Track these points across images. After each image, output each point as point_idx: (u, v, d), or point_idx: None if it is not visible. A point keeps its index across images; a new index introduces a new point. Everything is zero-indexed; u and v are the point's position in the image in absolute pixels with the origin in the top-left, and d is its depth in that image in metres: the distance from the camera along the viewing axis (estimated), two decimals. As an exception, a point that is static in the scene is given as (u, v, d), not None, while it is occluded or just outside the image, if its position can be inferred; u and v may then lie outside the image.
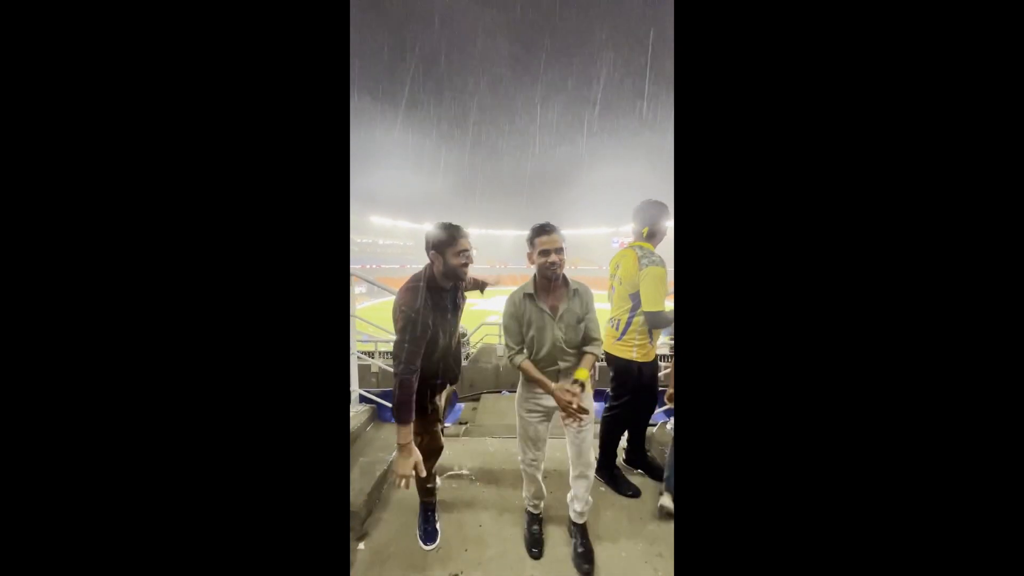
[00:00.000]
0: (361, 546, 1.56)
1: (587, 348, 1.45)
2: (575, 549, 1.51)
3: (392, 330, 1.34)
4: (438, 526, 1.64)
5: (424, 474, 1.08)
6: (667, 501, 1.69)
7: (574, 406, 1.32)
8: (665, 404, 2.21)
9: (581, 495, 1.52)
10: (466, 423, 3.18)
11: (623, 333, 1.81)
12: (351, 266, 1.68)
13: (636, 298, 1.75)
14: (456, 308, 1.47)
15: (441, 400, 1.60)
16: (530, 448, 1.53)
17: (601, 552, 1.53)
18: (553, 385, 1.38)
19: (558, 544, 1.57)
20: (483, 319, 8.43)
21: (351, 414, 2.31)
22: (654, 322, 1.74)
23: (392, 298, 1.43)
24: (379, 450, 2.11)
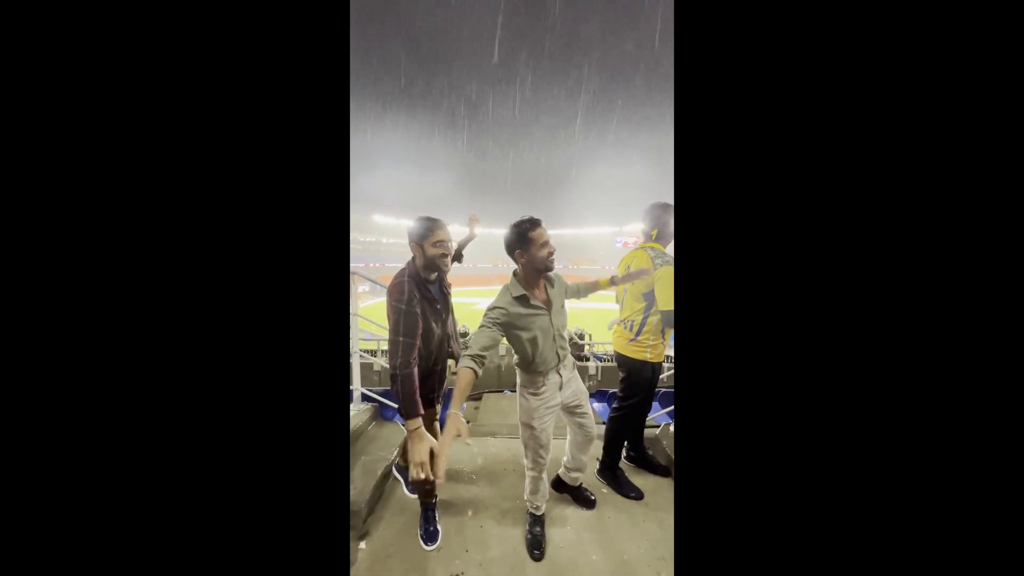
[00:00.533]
0: (362, 545, 1.56)
1: (585, 293, 1.70)
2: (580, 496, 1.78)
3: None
4: (439, 526, 1.63)
5: (443, 459, 1.05)
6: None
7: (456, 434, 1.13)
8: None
9: (582, 460, 1.71)
10: (468, 422, 3.18)
11: (637, 334, 1.82)
12: (354, 264, 1.69)
13: (650, 298, 1.76)
14: (444, 297, 1.51)
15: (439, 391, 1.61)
16: (543, 453, 1.54)
17: (603, 554, 1.52)
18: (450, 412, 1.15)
19: (560, 546, 1.56)
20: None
21: (353, 413, 2.31)
22: (671, 321, 1.74)
23: (393, 297, 1.45)
24: (380, 449, 2.11)
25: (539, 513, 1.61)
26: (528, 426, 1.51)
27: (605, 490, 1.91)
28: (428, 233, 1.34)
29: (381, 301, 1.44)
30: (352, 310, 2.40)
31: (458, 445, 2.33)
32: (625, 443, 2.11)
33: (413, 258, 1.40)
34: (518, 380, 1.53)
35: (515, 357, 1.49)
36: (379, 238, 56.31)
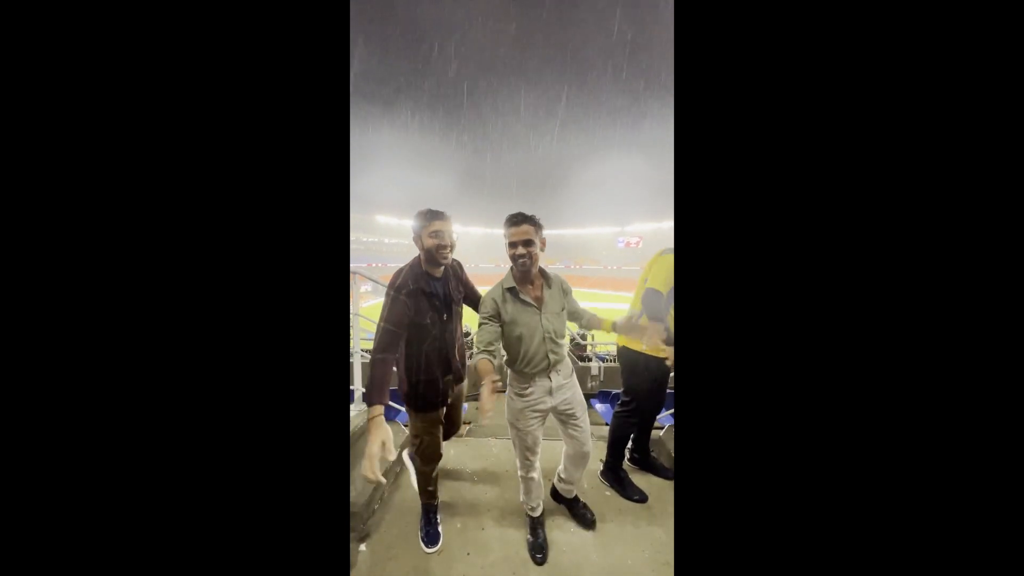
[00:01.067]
0: (362, 547, 1.54)
1: (590, 318, 1.55)
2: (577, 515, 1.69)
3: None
4: (440, 529, 1.62)
5: (392, 457, 1.05)
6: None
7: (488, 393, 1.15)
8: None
9: (575, 476, 1.63)
10: (469, 423, 3.16)
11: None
12: (356, 264, 1.67)
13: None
14: (446, 297, 1.44)
15: (450, 398, 1.53)
16: (530, 455, 1.50)
17: (606, 558, 1.51)
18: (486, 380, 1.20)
19: (563, 550, 1.54)
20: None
21: (353, 413, 2.30)
22: (650, 300, 1.69)
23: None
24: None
25: (535, 515, 1.60)
26: (513, 426, 1.49)
27: (608, 492, 1.89)
28: (425, 223, 1.35)
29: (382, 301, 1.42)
30: (353, 310, 2.38)
31: (461, 446, 2.32)
32: (629, 445, 2.09)
33: (418, 254, 1.40)
34: (508, 378, 1.51)
35: (503, 355, 1.46)
36: (381, 238, 56.49)
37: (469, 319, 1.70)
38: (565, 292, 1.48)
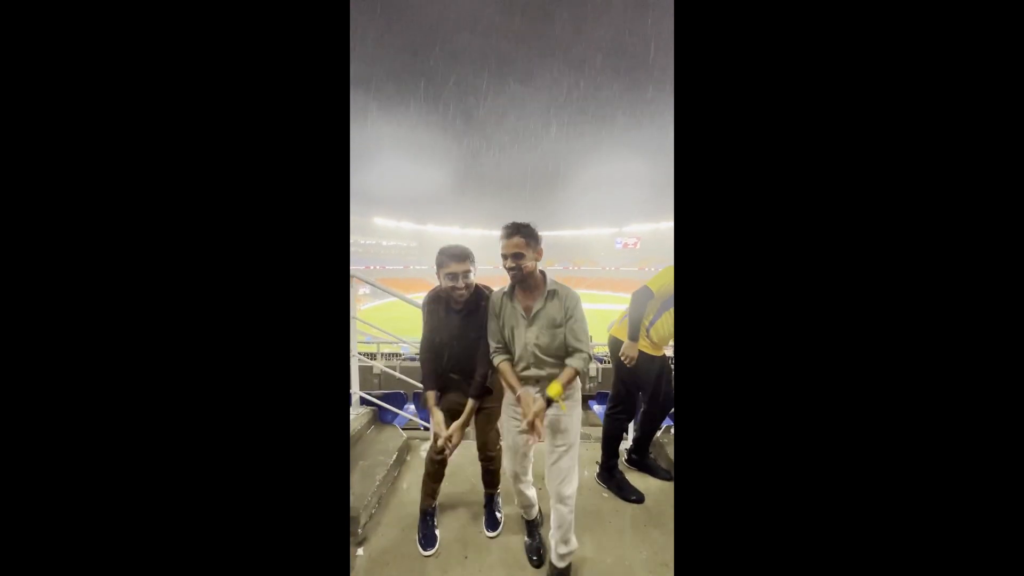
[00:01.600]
0: (360, 551, 1.54)
1: (569, 361, 1.32)
2: None
3: (394, 332, 1.36)
4: (437, 532, 1.62)
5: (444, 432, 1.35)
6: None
7: (528, 420, 1.24)
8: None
9: (556, 532, 1.35)
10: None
11: (648, 327, 1.86)
12: (354, 267, 1.68)
13: (667, 302, 1.82)
14: (460, 318, 1.46)
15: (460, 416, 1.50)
16: (509, 458, 1.49)
17: (603, 560, 1.51)
18: (519, 390, 1.33)
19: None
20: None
21: (351, 417, 2.29)
22: (638, 298, 1.78)
23: (394, 299, 1.48)
24: (379, 453, 2.09)
25: (529, 518, 1.60)
26: (504, 423, 1.51)
27: (606, 494, 1.90)
28: (442, 265, 1.40)
29: (381, 304, 1.44)
30: (351, 313, 2.38)
31: (461, 446, 2.31)
32: (628, 446, 2.10)
33: None
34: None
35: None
36: (379, 240, 56.33)
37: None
38: (568, 314, 1.33)
